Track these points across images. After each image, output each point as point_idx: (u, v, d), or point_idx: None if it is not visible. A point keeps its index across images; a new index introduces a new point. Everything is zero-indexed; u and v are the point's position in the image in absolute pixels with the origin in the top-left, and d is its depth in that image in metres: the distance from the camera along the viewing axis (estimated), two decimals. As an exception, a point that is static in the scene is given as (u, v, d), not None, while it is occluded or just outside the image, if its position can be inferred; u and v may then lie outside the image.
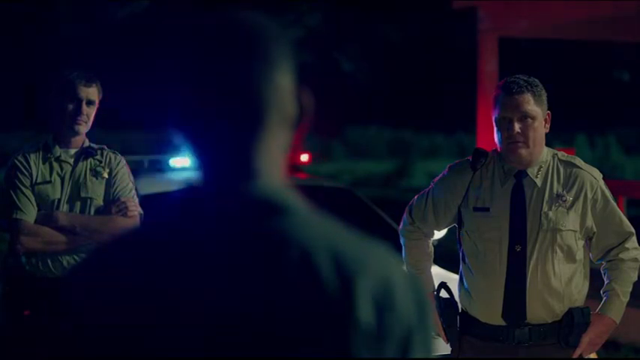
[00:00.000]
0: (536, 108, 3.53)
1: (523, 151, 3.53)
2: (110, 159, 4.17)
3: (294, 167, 6.87)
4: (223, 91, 1.32)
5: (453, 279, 3.84)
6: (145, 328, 1.26)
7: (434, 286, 3.76)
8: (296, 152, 6.63)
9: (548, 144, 3.66)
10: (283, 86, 1.34)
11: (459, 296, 3.71)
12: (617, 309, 3.60)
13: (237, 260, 1.26)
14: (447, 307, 3.70)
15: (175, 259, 1.28)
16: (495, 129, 3.57)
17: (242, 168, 1.32)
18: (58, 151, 4.12)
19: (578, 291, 3.59)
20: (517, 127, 3.50)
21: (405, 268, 1.34)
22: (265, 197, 1.30)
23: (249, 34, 1.34)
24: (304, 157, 6.99)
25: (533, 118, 3.52)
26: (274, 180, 1.33)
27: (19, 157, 4.09)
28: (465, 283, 3.66)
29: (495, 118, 3.56)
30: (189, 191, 1.33)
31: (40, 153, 4.11)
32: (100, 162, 4.15)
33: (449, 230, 4.04)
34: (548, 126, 3.60)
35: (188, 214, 1.31)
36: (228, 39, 1.33)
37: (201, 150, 1.34)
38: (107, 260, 1.32)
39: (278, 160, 1.34)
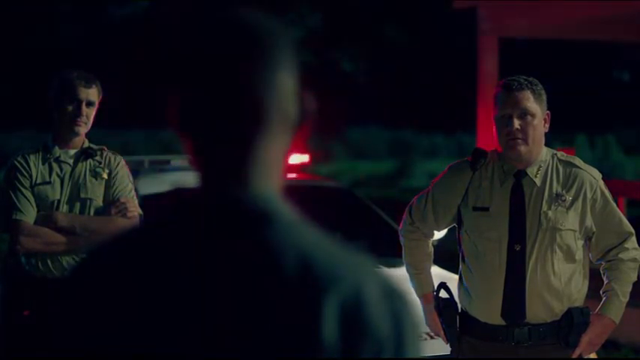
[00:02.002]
0: (535, 105, 3.53)
1: (522, 148, 3.53)
2: (110, 160, 4.17)
3: (295, 168, 6.86)
4: (223, 91, 1.30)
5: (453, 279, 3.84)
6: (137, 330, 1.25)
7: (433, 286, 3.76)
8: (299, 153, 6.62)
9: (548, 144, 3.66)
10: (285, 88, 1.32)
11: (459, 296, 3.71)
12: (616, 309, 3.60)
13: (213, 267, 1.26)
14: (446, 307, 3.70)
15: (160, 263, 1.28)
16: (495, 128, 3.57)
17: (238, 171, 1.31)
18: (57, 151, 4.11)
19: (577, 290, 3.59)
20: (517, 123, 3.50)
21: (384, 277, 1.32)
22: (253, 204, 1.28)
23: (252, 33, 1.32)
24: (305, 158, 6.97)
25: (533, 116, 3.52)
26: (271, 183, 1.32)
27: (19, 158, 4.09)
28: (465, 283, 3.66)
29: (495, 117, 3.56)
30: (180, 194, 1.33)
31: (40, 154, 4.11)
32: (100, 163, 4.14)
33: (449, 230, 4.04)
34: (547, 126, 3.60)
35: (177, 217, 1.31)
36: (229, 39, 1.32)
37: (199, 151, 1.33)
38: (97, 265, 1.32)
39: (277, 161, 1.33)
